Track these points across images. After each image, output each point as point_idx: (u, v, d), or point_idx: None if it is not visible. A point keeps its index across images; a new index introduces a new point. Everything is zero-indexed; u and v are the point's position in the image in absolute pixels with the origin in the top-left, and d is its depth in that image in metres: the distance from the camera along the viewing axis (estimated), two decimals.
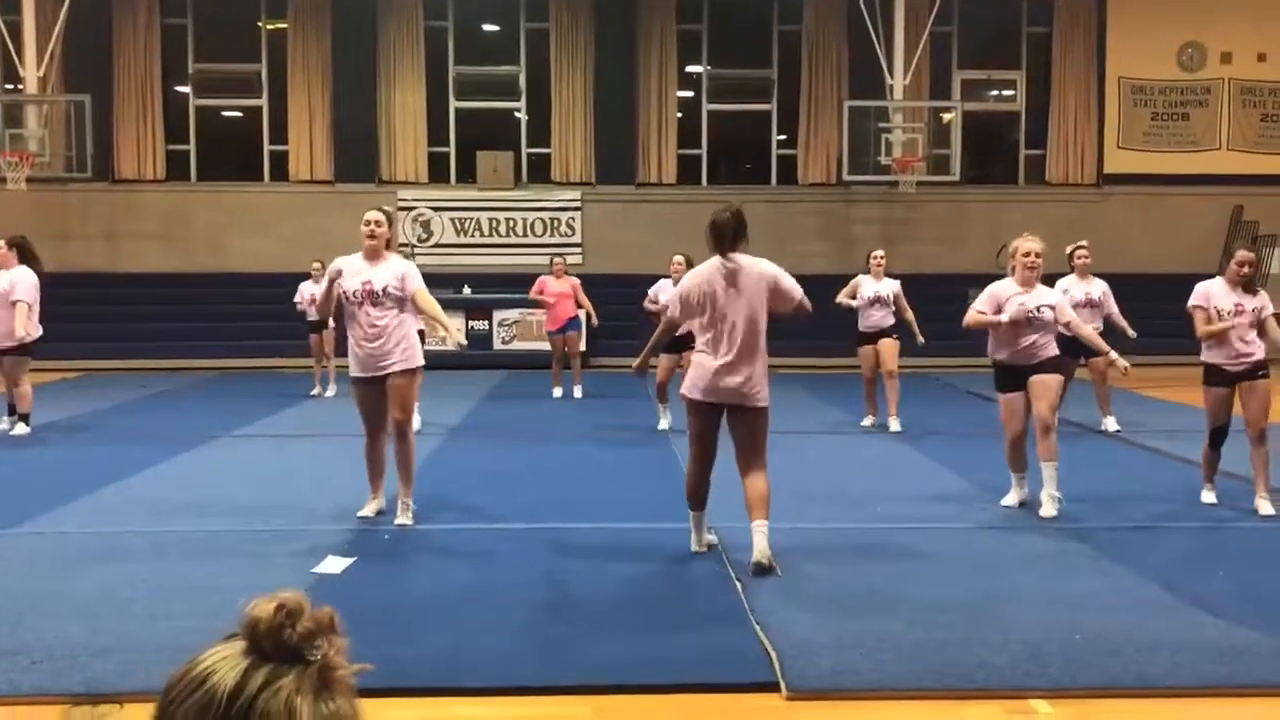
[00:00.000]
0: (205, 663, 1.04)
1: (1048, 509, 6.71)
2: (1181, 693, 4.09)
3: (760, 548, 5.49)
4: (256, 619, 1.03)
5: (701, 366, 5.65)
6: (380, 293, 6.38)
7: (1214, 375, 6.99)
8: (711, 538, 5.96)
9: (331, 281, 6.59)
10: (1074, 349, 9.70)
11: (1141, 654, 4.38)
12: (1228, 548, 6.21)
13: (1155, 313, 12.00)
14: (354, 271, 6.46)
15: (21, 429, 9.69)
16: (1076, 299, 9.39)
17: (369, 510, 6.65)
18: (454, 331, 6.56)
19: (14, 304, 9.43)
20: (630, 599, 5.16)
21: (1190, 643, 4.51)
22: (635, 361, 6.64)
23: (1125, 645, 4.47)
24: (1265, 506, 6.81)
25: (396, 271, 6.47)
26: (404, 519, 6.51)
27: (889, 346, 10.12)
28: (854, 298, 10.27)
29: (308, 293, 12.46)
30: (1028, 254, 6.85)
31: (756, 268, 5.64)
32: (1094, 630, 4.63)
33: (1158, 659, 4.34)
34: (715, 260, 5.67)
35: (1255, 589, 5.35)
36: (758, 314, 5.59)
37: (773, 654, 4.33)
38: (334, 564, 5.63)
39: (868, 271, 10.35)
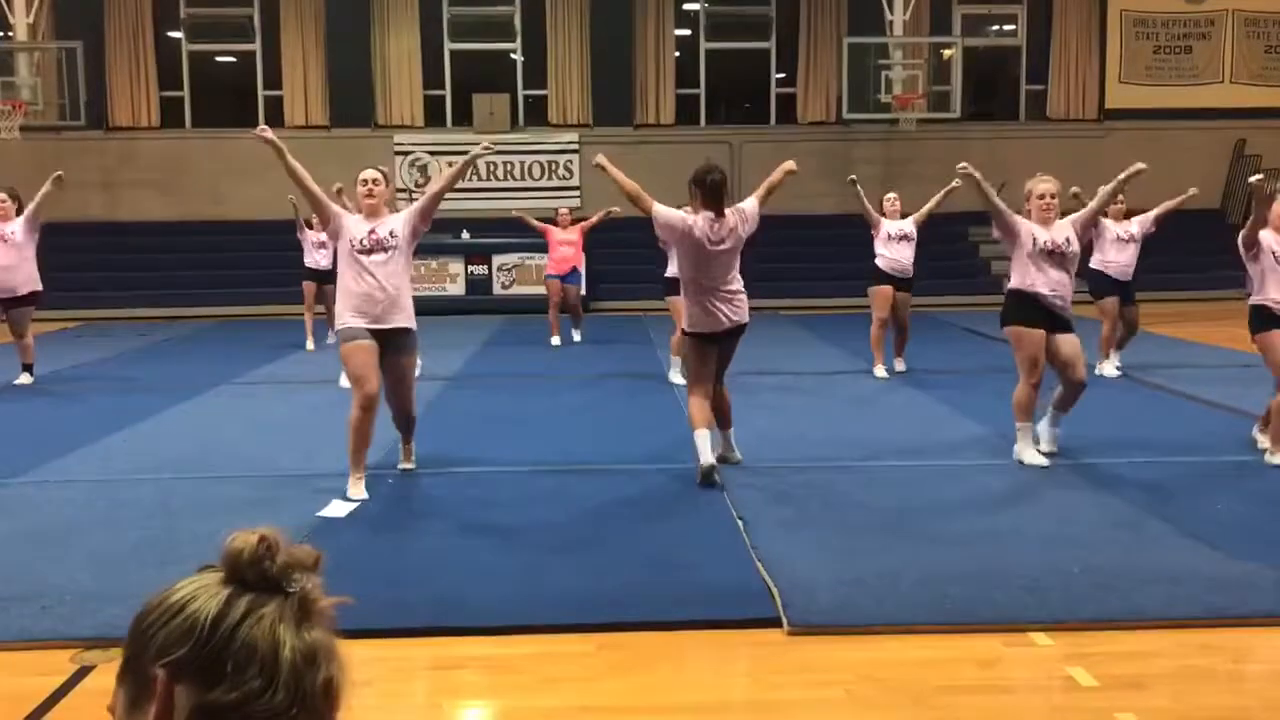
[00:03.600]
0: (182, 591, 1.05)
1: (1048, 444, 6.74)
2: (1179, 624, 4.13)
3: (731, 447, 6.51)
4: (239, 549, 1.04)
5: (697, 308, 6.19)
6: (388, 236, 6.12)
7: (1263, 319, 6.61)
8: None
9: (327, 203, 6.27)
10: (1127, 292, 9.75)
11: (1139, 586, 4.43)
12: (1227, 482, 6.25)
13: (1157, 249, 11.96)
14: (356, 223, 6.34)
15: (25, 378, 9.74)
16: (1119, 236, 9.69)
17: (358, 491, 5.91)
18: (479, 148, 6.23)
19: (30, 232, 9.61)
20: (632, 538, 5.21)
21: (1188, 575, 4.55)
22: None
23: (1123, 578, 4.51)
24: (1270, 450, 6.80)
25: (398, 218, 6.31)
26: (406, 464, 6.54)
27: (905, 298, 9.91)
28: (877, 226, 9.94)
29: (314, 239, 12.36)
30: (1042, 195, 6.68)
31: (740, 215, 6.21)
32: (1093, 564, 4.68)
33: (1155, 591, 4.39)
34: (703, 216, 6.11)
35: (1253, 521, 5.40)
36: (737, 256, 6.26)
37: (774, 590, 4.37)
38: (338, 508, 5.68)
39: (883, 214, 10.12)
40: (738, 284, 6.27)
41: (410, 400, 6.34)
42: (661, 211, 6.29)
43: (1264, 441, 6.76)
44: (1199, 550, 4.89)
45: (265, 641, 1.00)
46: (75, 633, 4.08)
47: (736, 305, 6.25)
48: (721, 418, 6.47)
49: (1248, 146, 18.28)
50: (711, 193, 6.01)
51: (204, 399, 9.16)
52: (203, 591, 1.03)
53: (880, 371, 9.83)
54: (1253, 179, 6.85)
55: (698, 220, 6.14)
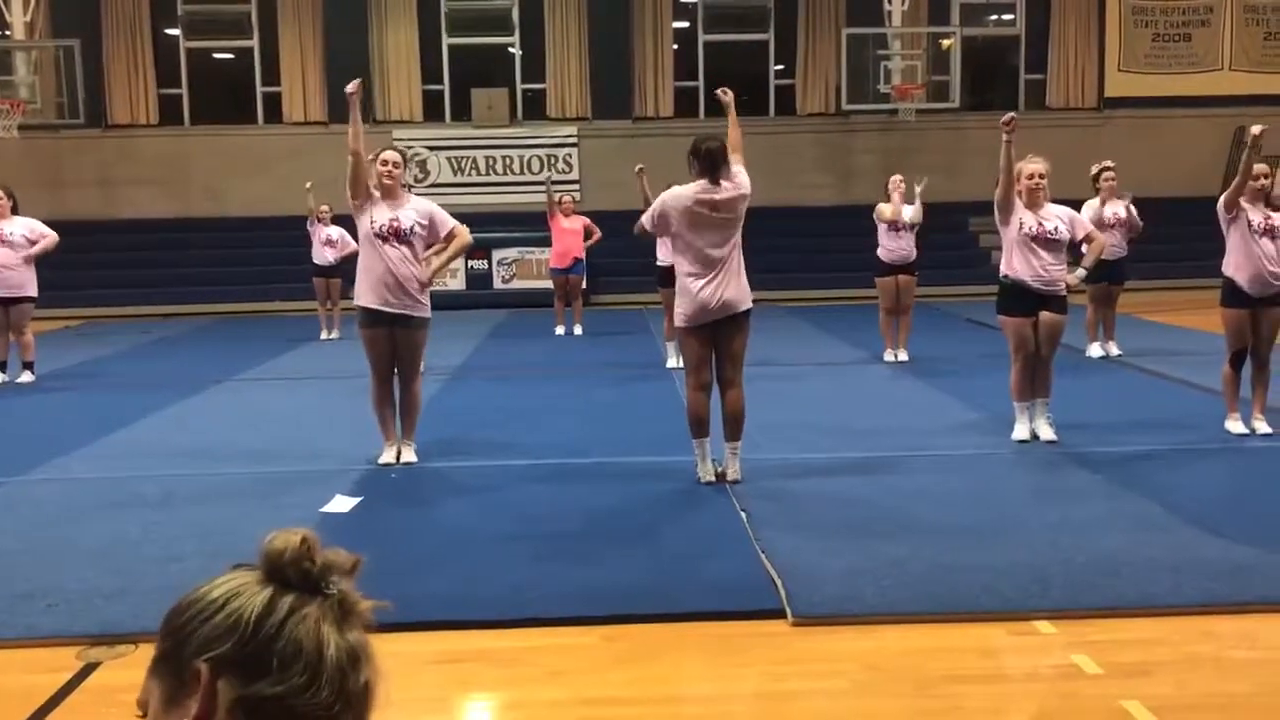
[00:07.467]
0: (222, 588, 1.05)
1: (1047, 433, 6.76)
2: (1182, 611, 4.14)
3: (734, 469, 5.95)
4: (281, 549, 1.05)
5: (689, 293, 5.86)
6: (407, 231, 6.35)
7: (1234, 296, 6.80)
8: (719, 467, 6.02)
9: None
10: (1113, 273, 9.73)
11: (1143, 574, 4.44)
12: (1227, 468, 6.25)
13: (1156, 237, 11.96)
14: (379, 206, 6.42)
15: (27, 376, 9.74)
16: (1106, 219, 9.67)
17: (390, 456, 6.51)
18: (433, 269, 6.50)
19: (33, 243, 9.65)
20: (636, 530, 5.21)
21: (1191, 562, 4.56)
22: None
23: (1126, 566, 4.52)
24: (1262, 425, 6.83)
25: (421, 211, 6.46)
26: (408, 457, 6.56)
27: (909, 282, 10.05)
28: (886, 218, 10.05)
29: (321, 236, 12.41)
30: (1031, 175, 6.74)
31: (737, 190, 5.92)
32: (1096, 552, 4.68)
33: (1159, 578, 4.39)
34: (700, 184, 5.88)
35: (1254, 507, 5.40)
36: (736, 233, 5.94)
37: (778, 581, 4.38)
38: (341, 503, 5.68)
39: (887, 200, 10.16)
40: (736, 265, 5.88)
41: (416, 368, 6.55)
42: (652, 211, 6.05)
43: (1263, 427, 6.79)
44: (1201, 537, 4.89)
45: (310, 640, 1.02)
46: (80, 629, 4.09)
47: (732, 287, 5.84)
48: (728, 427, 5.96)
49: (1247, 134, 18.23)
50: (708, 160, 5.85)
51: (205, 395, 9.17)
52: (244, 589, 1.04)
53: (889, 355, 10.19)
54: (1255, 128, 6.84)
55: (689, 189, 5.90)
